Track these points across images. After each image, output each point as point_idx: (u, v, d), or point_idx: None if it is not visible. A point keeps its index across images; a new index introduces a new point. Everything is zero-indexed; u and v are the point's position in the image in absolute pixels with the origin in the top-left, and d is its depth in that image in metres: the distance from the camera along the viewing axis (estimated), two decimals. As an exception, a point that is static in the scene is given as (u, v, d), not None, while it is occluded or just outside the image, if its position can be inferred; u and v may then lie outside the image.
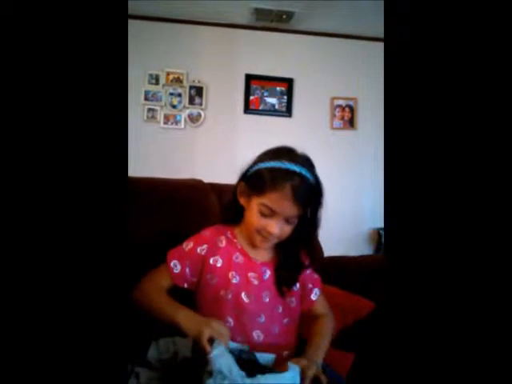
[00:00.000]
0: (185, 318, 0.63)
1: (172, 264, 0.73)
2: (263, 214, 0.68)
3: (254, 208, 0.69)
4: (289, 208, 0.67)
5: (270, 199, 0.67)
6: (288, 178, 0.66)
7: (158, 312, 0.67)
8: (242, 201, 0.73)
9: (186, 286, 0.74)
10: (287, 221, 0.69)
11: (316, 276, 0.80)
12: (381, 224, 2.43)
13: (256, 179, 0.70)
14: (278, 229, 0.68)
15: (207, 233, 0.76)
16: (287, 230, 0.70)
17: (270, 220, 0.68)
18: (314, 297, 0.79)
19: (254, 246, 0.74)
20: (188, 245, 0.75)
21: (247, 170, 0.73)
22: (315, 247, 0.81)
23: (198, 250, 0.73)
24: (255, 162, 0.72)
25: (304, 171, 0.67)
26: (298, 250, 0.76)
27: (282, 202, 0.66)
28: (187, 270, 0.73)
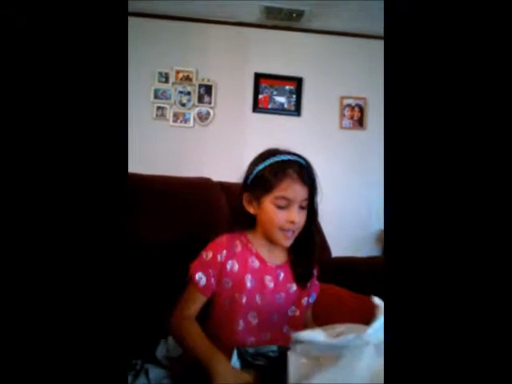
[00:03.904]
0: (219, 371, 0.60)
1: (197, 277, 0.71)
2: (280, 207, 0.70)
3: (268, 206, 0.71)
4: (300, 191, 0.70)
5: (283, 189, 0.69)
6: (288, 166, 0.71)
7: (194, 352, 0.65)
8: (252, 209, 0.74)
9: (210, 295, 0.73)
10: (301, 207, 0.72)
11: (316, 282, 0.81)
12: (389, 225, 2.41)
13: (260, 181, 0.72)
14: (297, 216, 0.70)
15: (223, 239, 0.76)
16: (303, 216, 0.72)
17: (288, 211, 0.70)
18: (311, 299, 0.80)
19: (275, 243, 0.74)
20: (208, 254, 0.74)
21: (246, 179, 0.75)
22: (317, 237, 0.81)
23: (219, 258, 0.73)
24: (250, 170, 0.75)
25: (297, 158, 0.73)
26: (308, 244, 0.77)
27: (294, 187, 0.69)
28: (212, 280, 0.72)
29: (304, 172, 0.71)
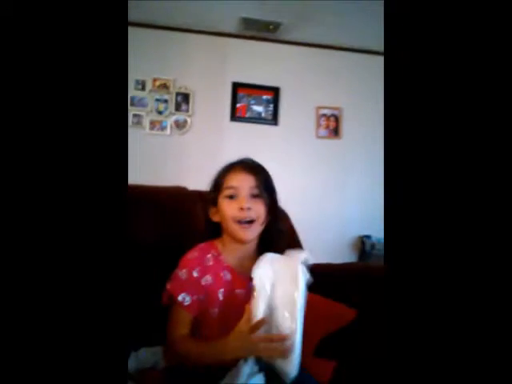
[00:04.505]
0: (227, 349, 0.63)
1: (180, 298, 0.71)
2: (230, 197, 0.74)
3: (221, 202, 0.75)
4: (245, 178, 0.75)
5: (228, 181, 0.76)
6: (234, 164, 0.78)
7: (205, 361, 0.66)
8: (216, 218, 0.78)
9: (196, 312, 0.72)
10: (252, 195, 0.74)
11: None
12: (364, 232, 2.47)
13: (214, 186, 0.79)
14: (248, 203, 0.73)
15: (195, 254, 0.76)
16: (258, 206, 0.74)
17: (237, 199, 0.74)
18: None
19: (240, 241, 0.75)
20: (183, 273, 0.73)
21: (209, 193, 0.81)
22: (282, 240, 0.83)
23: (194, 274, 0.73)
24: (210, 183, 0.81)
25: (245, 159, 0.80)
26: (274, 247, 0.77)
27: (238, 176, 0.75)
28: (195, 297, 0.72)
29: (249, 163, 0.78)
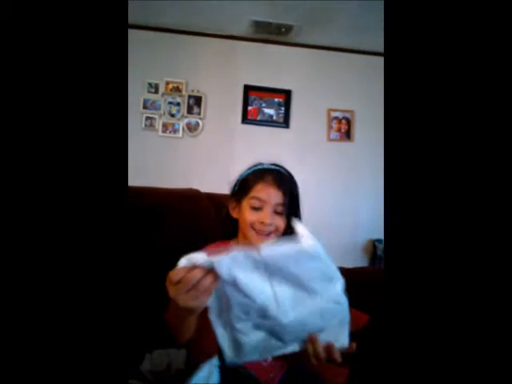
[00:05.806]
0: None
1: None
2: (254, 208, 0.75)
3: (245, 206, 0.76)
4: (274, 194, 0.75)
5: (257, 190, 0.75)
6: (267, 172, 0.78)
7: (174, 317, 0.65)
8: (235, 214, 0.80)
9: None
10: (276, 212, 0.75)
11: None
12: (376, 235, 2.44)
13: (242, 185, 0.79)
14: (270, 218, 0.74)
15: (211, 249, 0.77)
16: (279, 221, 0.75)
17: (262, 212, 0.74)
18: None
19: (253, 246, 0.75)
20: None
21: (234, 187, 0.82)
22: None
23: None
24: (236, 178, 0.82)
25: (279, 167, 0.80)
26: None
27: (268, 189, 0.75)
28: None
29: (281, 178, 0.77)
